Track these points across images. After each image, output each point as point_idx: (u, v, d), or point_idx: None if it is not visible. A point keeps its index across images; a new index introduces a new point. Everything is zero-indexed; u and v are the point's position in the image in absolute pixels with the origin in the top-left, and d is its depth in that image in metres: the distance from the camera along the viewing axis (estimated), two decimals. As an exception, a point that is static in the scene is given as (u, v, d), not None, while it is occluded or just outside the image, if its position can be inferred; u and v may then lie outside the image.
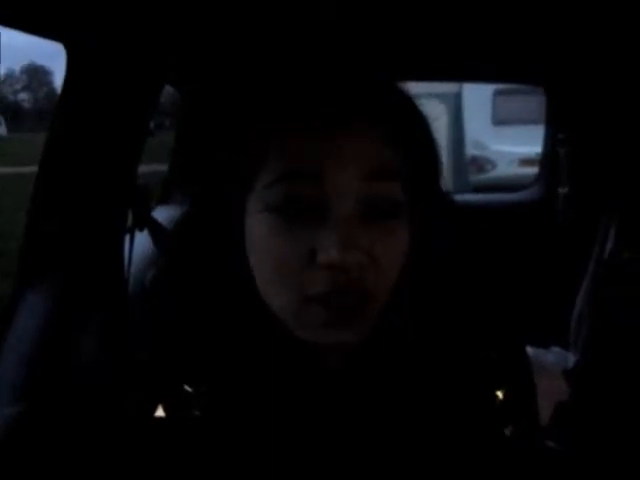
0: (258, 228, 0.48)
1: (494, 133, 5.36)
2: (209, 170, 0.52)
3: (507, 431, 0.53)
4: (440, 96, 5.38)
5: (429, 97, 5.29)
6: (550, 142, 1.82)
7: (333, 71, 0.51)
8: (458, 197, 2.31)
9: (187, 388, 0.50)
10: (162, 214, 1.13)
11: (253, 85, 0.52)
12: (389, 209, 0.47)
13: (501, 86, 4.60)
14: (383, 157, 0.47)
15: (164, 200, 1.44)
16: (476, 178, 5.30)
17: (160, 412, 0.50)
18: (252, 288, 0.49)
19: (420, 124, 0.52)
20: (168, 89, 1.30)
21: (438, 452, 0.51)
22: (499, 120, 5.34)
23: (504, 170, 5.13)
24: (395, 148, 0.48)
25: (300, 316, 0.47)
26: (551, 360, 1.30)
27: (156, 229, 1.06)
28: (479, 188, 4.83)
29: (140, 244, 1.02)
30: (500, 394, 0.54)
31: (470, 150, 5.44)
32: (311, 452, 0.50)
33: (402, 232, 0.49)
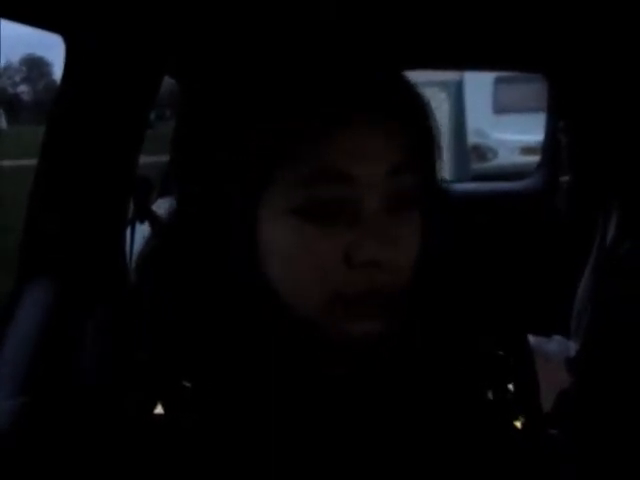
0: (282, 231, 0.46)
1: (495, 121, 5.34)
2: (210, 170, 0.50)
3: (517, 423, 0.53)
4: (441, 84, 5.36)
5: (430, 85, 5.28)
6: (551, 130, 1.82)
7: (350, 66, 0.49)
8: (459, 186, 2.30)
9: (186, 384, 0.50)
10: (163, 207, 1.13)
11: (265, 80, 0.51)
12: (409, 199, 0.47)
13: (502, 74, 4.58)
14: (401, 150, 0.46)
15: (165, 193, 1.43)
16: (477, 166, 5.30)
17: (159, 409, 0.49)
18: (254, 291, 0.48)
19: (427, 114, 0.52)
20: (168, 80, 1.30)
21: (446, 453, 0.51)
22: (500, 108, 5.32)
23: (505, 158, 5.12)
24: (408, 140, 0.47)
25: (335, 314, 0.46)
26: (553, 349, 1.30)
27: (157, 220, 1.06)
28: (480, 177, 4.82)
29: (142, 236, 1.02)
30: (511, 387, 0.54)
31: (471, 138, 5.42)
32: (312, 456, 0.49)
33: (417, 220, 0.48)
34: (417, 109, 0.50)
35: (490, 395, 0.53)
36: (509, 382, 0.54)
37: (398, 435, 0.50)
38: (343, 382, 0.50)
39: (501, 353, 0.55)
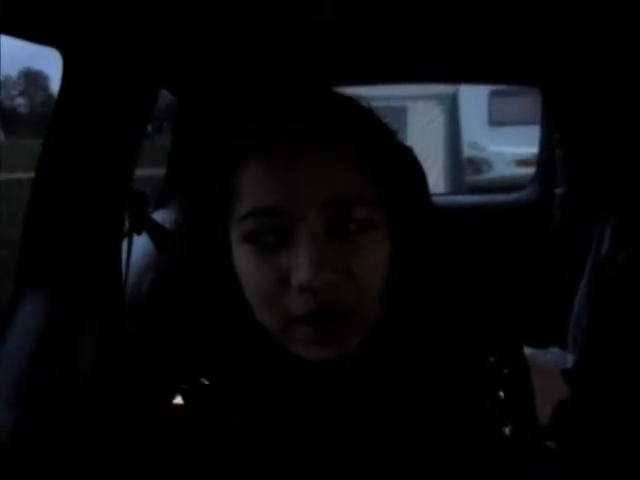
0: (239, 257, 0.51)
1: (490, 134, 5.37)
2: (191, 197, 0.56)
3: (506, 430, 0.54)
4: (437, 98, 5.40)
5: (426, 99, 5.32)
6: (546, 143, 1.83)
7: (296, 100, 0.53)
8: (454, 198, 2.32)
9: (204, 381, 0.54)
10: (160, 218, 1.13)
11: (222, 113, 0.57)
12: (361, 226, 0.49)
13: (497, 87, 4.62)
14: (350, 180, 0.49)
15: (162, 204, 1.44)
16: (473, 179, 5.32)
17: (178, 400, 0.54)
18: (246, 307, 0.51)
19: (387, 139, 0.54)
20: (166, 93, 1.30)
21: (440, 453, 0.52)
22: (495, 121, 5.35)
23: (501, 171, 5.14)
24: (364, 167, 0.50)
25: (289, 336, 0.49)
26: (550, 361, 1.30)
27: (156, 231, 1.07)
28: (476, 189, 4.84)
29: (138, 248, 1.02)
30: (501, 394, 0.55)
31: (467, 151, 5.45)
32: (313, 454, 0.52)
33: (379, 245, 0.50)
34: (370, 139, 0.52)
35: (480, 400, 0.55)
36: (500, 389, 0.55)
37: (396, 433, 0.52)
38: (344, 382, 0.53)
39: (493, 360, 0.56)
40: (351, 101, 0.54)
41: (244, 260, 0.50)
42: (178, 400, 0.54)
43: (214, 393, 0.54)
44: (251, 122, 0.53)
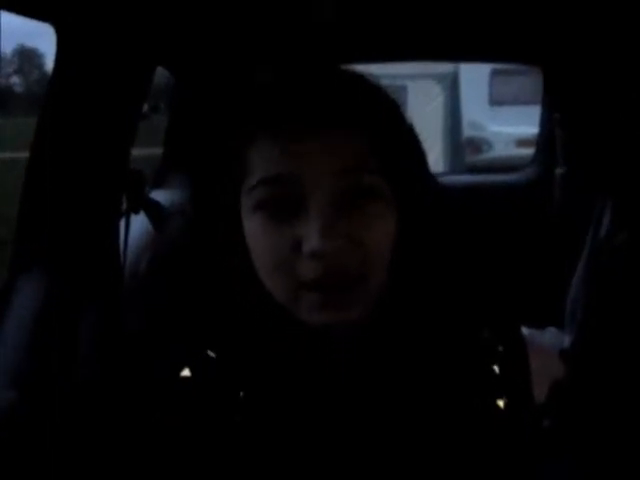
0: (250, 225, 0.53)
1: (491, 114, 5.34)
2: (201, 170, 0.58)
3: (501, 404, 0.55)
4: (437, 77, 5.36)
5: (426, 78, 5.28)
6: (547, 123, 1.82)
7: (304, 76, 0.55)
8: (454, 178, 2.31)
9: (210, 354, 0.57)
10: (157, 198, 1.13)
11: (234, 91, 0.58)
12: (368, 196, 0.51)
13: (498, 66, 4.58)
14: (356, 152, 0.51)
15: (159, 184, 1.43)
16: (472, 159, 5.30)
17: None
18: (255, 277, 0.53)
19: (392, 114, 0.56)
20: (163, 71, 1.29)
21: (436, 423, 0.54)
22: (496, 101, 5.32)
23: (501, 151, 5.13)
24: (370, 140, 0.51)
25: (297, 302, 0.51)
26: (547, 340, 1.30)
27: (153, 211, 1.06)
28: (476, 169, 4.82)
29: (135, 227, 1.02)
30: (496, 369, 0.57)
31: (467, 131, 5.42)
32: (314, 423, 0.54)
33: (386, 215, 0.52)
34: (375, 114, 0.54)
35: (473, 372, 0.57)
36: (494, 363, 0.57)
37: (398, 405, 0.54)
38: (348, 356, 0.55)
39: (487, 336, 0.58)
40: (361, 78, 0.55)
41: (256, 228, 0.52)
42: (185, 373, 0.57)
43: (220, 365, 0.56)
44: (261, 100, 0.55)
